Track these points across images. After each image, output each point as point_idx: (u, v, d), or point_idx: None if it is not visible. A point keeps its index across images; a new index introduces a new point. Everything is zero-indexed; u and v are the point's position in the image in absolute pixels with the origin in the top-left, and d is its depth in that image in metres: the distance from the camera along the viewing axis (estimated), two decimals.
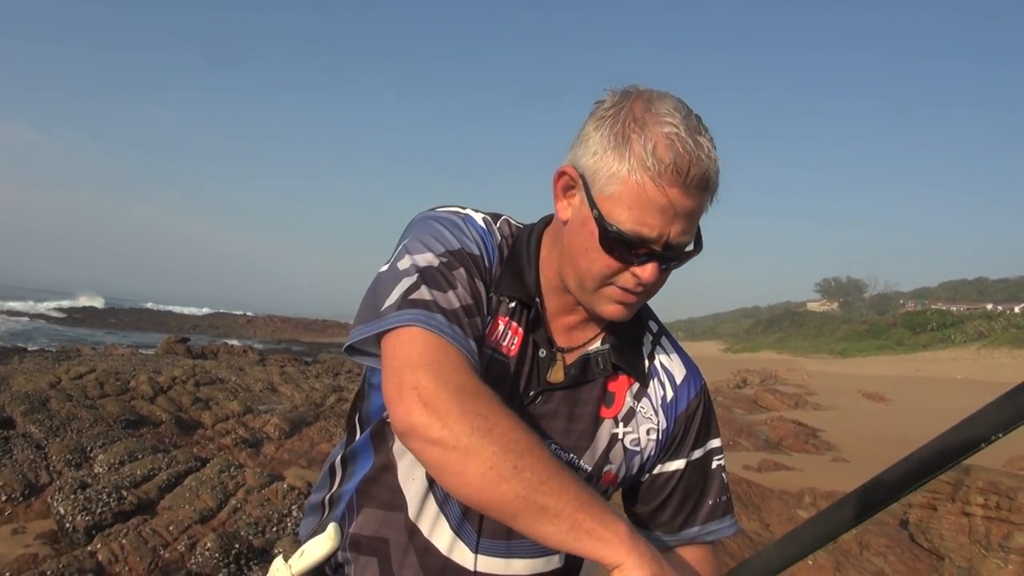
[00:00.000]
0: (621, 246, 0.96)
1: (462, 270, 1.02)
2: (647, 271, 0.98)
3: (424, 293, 0.97)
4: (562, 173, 1.03)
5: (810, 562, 4.93)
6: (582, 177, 0.99)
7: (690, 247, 1.01)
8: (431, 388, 0.87)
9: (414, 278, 0.99)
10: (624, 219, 0.95)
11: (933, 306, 63.11)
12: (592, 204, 0.97)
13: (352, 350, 1.03)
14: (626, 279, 1.00)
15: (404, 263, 1.02)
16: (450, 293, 0.99)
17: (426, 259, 1.01)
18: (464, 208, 1.14)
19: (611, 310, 1.04)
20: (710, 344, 67.27)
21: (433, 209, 1.13)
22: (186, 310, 62.26)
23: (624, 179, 0.94)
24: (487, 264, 1.07)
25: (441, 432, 0.84)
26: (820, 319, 68.56)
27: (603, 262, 0.99)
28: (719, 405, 15.02)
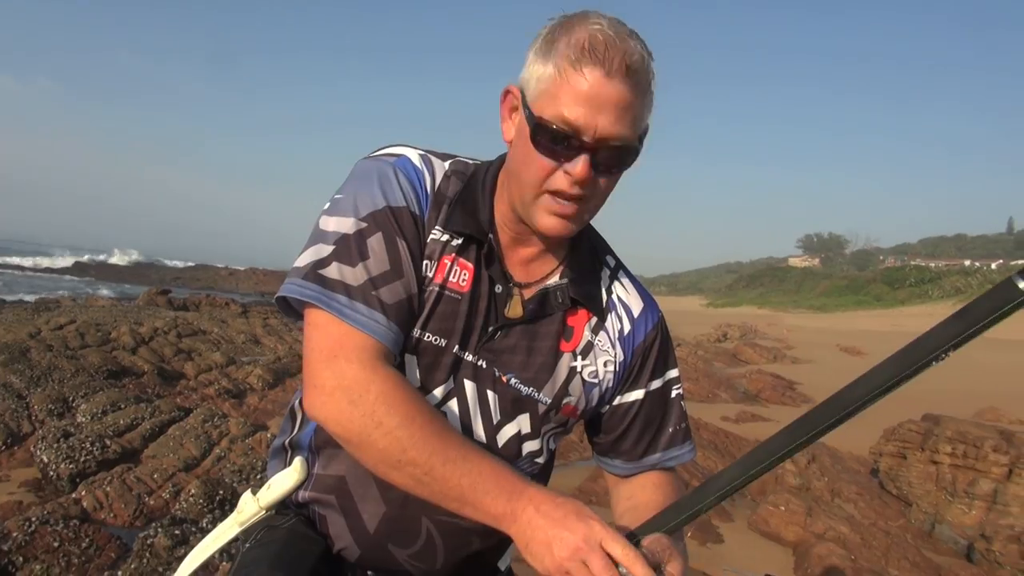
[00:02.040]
0: (550, 140, 0.97)
1: (379, 235, 1.03)
2: (577, 167, 0.97)
3: (332, 271, 1.01)
4: (506, 92, 1.05)
5: (783, 508, 5.08)
6: (521, 92, 1.01)
7: (622, 143, 0.98)
8: (328, 386, 0.97)
9: (329, 249, 1.02)
10: (550, 111, 0.96)
11: (912, 262, 63.90)
12: (526, 108, 0.99)
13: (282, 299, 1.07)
14: (559, 180, 0.99)
15: (328, 225, 1.05)
16: (359, 267, 1.01)
17: (346, 225, 1.04)
18: (403, 149, 1.13)
19: (549, 223, 1.03)
20: (692, 299, 67.87)
21: (372, 154, 1.13)
22: (168, 262, 61.59)
23: (551, 77, 0.96)
24: (417, 211, 1.07)
25: (336, 429, 0.98)
26: (801, 275, 69.28)
27: (537, 163, 0.99)
28: (700, 359, 15.23)
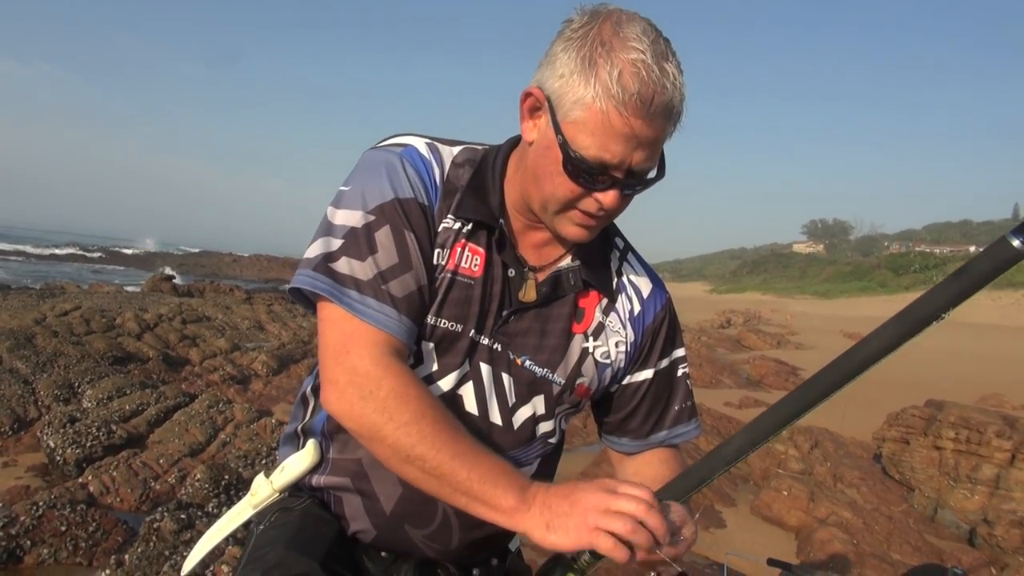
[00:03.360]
0: (584, 172, 0.97)
1: (387, 227, 1.04)
2: (608, 197, 0.99)
3: (342, 265, 1.02)
4: (528, 94, 1.02)
5: (785, 493, 5.10)
6: (548, 100, 0.98)
7: (652, 174, 1.01)
8: (341, 382, 1.00)
9: (338, 243, 1.03)
10: (587, 145, 0.95)
11: (917, 248, 63.65)
12: (557, 129, 0.97)
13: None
14: (588, 204, 1.01)
15: (336, 217, 1.06)
16: (368, 261, 1.02)
17: (354, 218, 1.04)
18: (409, 138, 1.13)
19: (573, 232, 1.06)
20: (696, 285, 67.79)
21: (379, 144, 1.13)
22: (172, 249, 61.75)
23: (589, 105, 0.93)
24: (425, 201, 1.08)
25: (350, 424, 1.01)
26: (805, 261, 69.09)
27: (566, 187, 1.00)
28: (703, 345, 15.24)
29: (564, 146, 0.96)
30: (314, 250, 1.04)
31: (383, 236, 1.03)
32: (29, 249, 48.82)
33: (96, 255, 49.78)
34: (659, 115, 0.93)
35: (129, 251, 54.88)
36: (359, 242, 1.03)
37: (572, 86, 0.94)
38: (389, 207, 1.04)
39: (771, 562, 2.69)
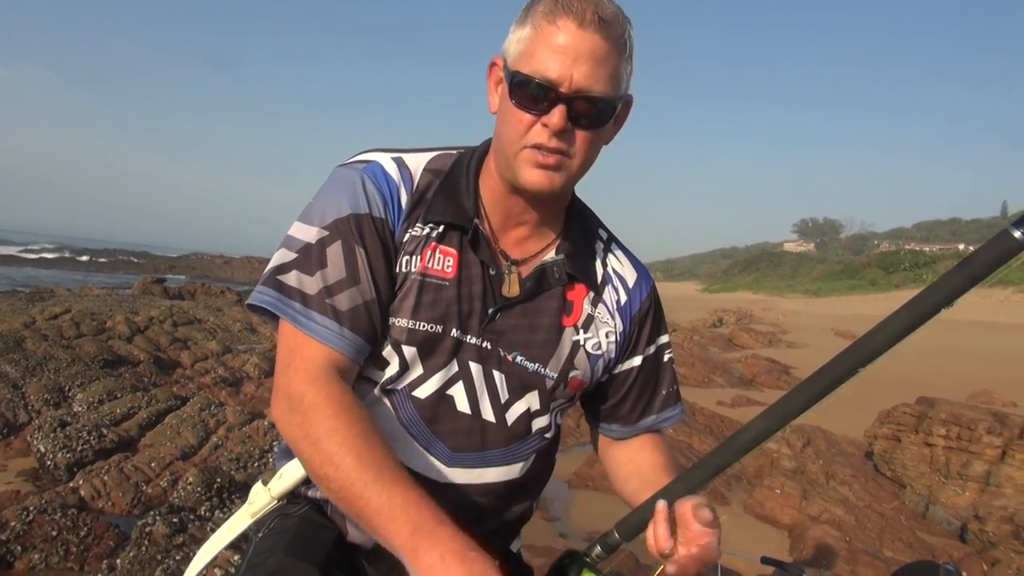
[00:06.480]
0: (527, 94, 1.00)
1: (339, 243, 1.06)
2: (554, 116, 0.99)
3: (291, 278, 1.05)
4: (492, 64, 1.08)
5: (778, 491, 5.11)
6: (504, 59, 1.05)
7: (599, 95, 1.00)
8: (279, 393, 1.03)
9: (292, 256, 1.06)
10: (527, 67, 0.99)
11: (907, 246, 63.98)
12: (506, 69, 1.03)
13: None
14: (539, 134, 1.02)
15: (296, 231, 1.09)
16: (316, 275, 1.05)
17: (310, 234, 1.07)
18: (375, 155, 1.14)
19: (533, 177, 1.05)
20: (688, 284, 67.92)
21: (346, 161, 1.15)
22: (162, 251, 61.50)
23: (528, 36, 1.00)
24: (382, 215, 1.09)
25: (287, 439, 1.02)
26: (796, 259, 69.38)
27: (515, 118, 1.02)
28: (695, 344, 15.27)
29: (508, 75, 1.02)
30: (271, 263, 1.08)
31: (334, 251, 1.05)
32: (17, 252, 48.47)
33: (86, 258, 49.45)
34: (592, 24, 0.96)
35: (119, 253, 54.54)
36: (310, 257, 1.05)
37: (515, 33, 1.02)
38: (344, 223, 1.06)
39: (765, 560, 2.70)
